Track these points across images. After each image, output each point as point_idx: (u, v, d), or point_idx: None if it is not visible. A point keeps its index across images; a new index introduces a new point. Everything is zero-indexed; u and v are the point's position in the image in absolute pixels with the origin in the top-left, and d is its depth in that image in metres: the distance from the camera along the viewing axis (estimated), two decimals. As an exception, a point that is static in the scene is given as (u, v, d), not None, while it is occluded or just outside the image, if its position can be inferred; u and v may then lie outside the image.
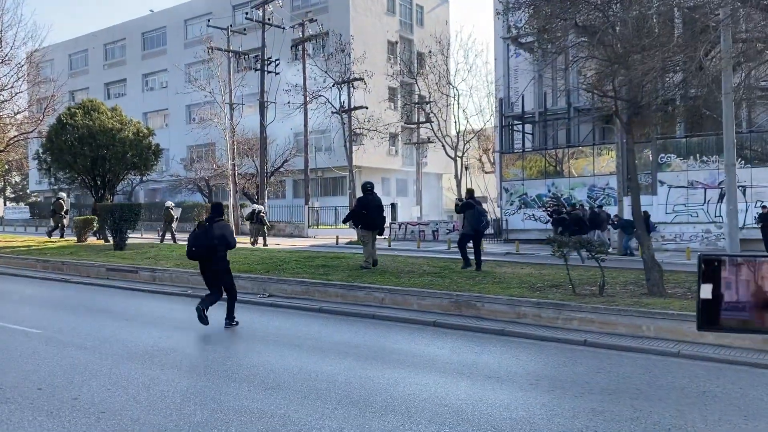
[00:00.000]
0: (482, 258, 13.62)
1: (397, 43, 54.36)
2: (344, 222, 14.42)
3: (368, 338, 8.58)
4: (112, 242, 20.47)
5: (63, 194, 25.33)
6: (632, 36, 9.60)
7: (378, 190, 31.81)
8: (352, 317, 10.08)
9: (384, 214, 13.16)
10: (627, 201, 28.28)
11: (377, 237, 13.63)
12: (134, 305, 11.84)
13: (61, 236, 24.80)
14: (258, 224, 28.05)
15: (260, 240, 27.35)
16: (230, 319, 9.40)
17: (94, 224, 23.66)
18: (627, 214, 26.51)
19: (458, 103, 27.15)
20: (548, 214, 28.62)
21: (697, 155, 26.76)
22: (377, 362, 7.24)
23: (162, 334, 9.10)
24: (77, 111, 22.29)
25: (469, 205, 13.04)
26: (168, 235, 23.08)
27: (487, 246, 26.39)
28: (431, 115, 27.68)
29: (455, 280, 11.71)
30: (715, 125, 25.19)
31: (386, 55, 50.27)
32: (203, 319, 8.91)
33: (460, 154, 27.68)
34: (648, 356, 7.47)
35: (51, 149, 22.24)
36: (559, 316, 8.78)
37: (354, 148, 37.70)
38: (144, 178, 28.12)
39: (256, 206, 30.17)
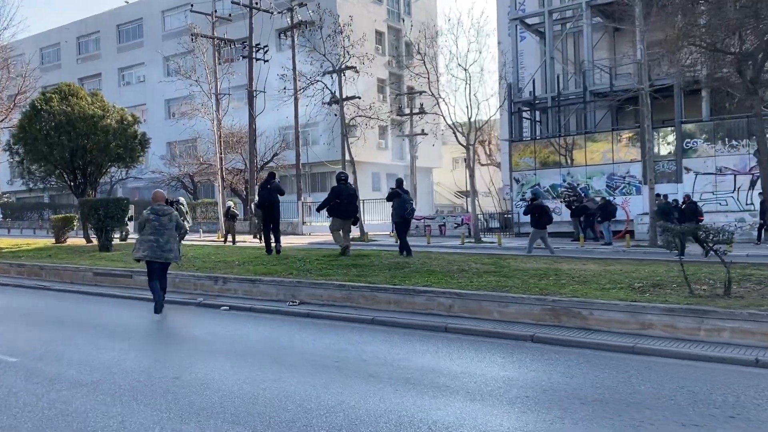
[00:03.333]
0: (532, 253, 14.07)
1: (384, 33, 52.44)
2: (318, 211, 14.57)
3: (463, 363, 6.47)
4: (96, 243, 18.12)
5: None
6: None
7: (368, 185, 30.05)
8: (419, 331, 7.96)
9: (357, 204, 13.73)
10: (648, 189, 26.53)
11: (351, 227, 14.08)
12: (134, 318, 9.59)
13: None
14: (231, 221, 26.29)
15: (230, 238, 25.55)
16: None
17: (75, 223, 21.24)
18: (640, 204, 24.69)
19: (469, 87, 24.99)
20: (566, 205, 26.71)
21: (726, 139, 25.03)
22: (499, 402, 5.13)
23: (187, 358, 6.91)
24: (53, 96, 19.81)
25: (396, 194, 13.79)
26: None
27: (503, 240, 24.42)
28: (438, 99, 25.50)
29: (527, 280, 9.64)
30: (740, 107, 23.55)
31: (374, 45, 48.35)
32: None
33: (472, 141, 25.56)
34: None
35: (24, 139, 19.74)
36: (701, 326, 6.77)
37: (349, 140, 35.54)
38: (126, 174, 25.61)
39: (229, 202, 28.58)
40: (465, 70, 25.05)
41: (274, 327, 8.54)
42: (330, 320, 8.85)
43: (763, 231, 21.53)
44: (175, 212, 9.97)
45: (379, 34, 51.56)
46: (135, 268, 13.21)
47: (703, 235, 8.16)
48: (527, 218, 28.98)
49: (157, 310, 9.49)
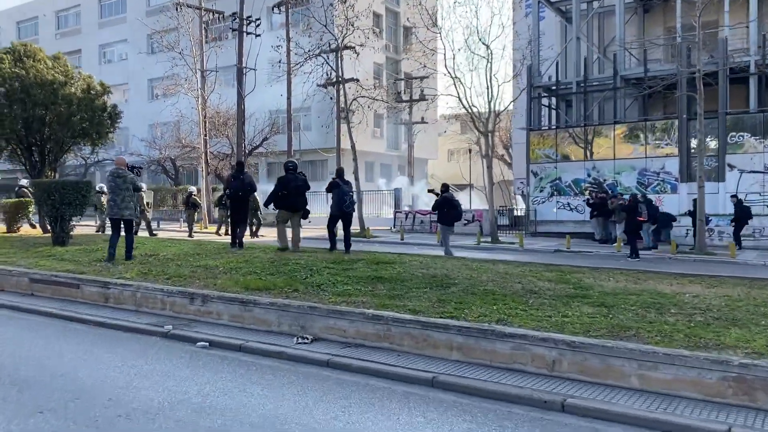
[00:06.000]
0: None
1: (382, 16, 49.27)
2: (265, 205, 13.59)
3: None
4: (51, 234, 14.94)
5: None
6: None
7: (361, 175, 27.03)
8: (518, 408, 4.94)
9: (305, 196, 12.70)
10: (686, 188, 23.74)
11: (301, 220, 13.10)
12: (65, 362, 6.46)
13: None
14: (191, 209, 23.13)
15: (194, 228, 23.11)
16: None
17: (30, 209, 17.98)
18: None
19: (491, 65, 21.94)
20: (589, 202, 23.78)
21: (776, 134, 22.23)
22: None
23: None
24: (4, 57, 16.46)
25: (335, 185, 12.91)
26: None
27: (514, 240, 21.34)
28: (454, 79, 22.42)
29: (636, 311, 6.68)
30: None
31: (371, 28, 45.29)
32: None
33: (490, 128, 22.57)
34: None
35: (-33, 107, 16.39)
36: None
37: (344, 127, 32.50)
38: (97, 153, 22.31)
39: (192, 188, 25.80)
40: (486, 46, 22.03)
41: (278, 391, 5.48)
42: (363, 376, 5.80)
43: None
44: (132, 175, 11.39)
45: (376, 16, 48.34)
46: (86, 273, 10.06)
47: None
48: (547, 216, 26.43)
49: (109, 260, 11.00)
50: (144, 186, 20.15)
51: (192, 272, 9.96)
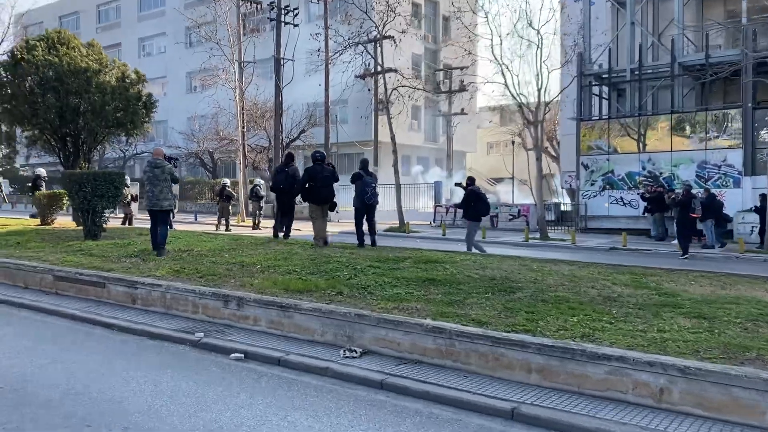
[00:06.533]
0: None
1: (421, 5, 48.07)
2: (293, 198, 13.46)
3: None
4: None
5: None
6: None
7: (398, 168, 26.11)
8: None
9: (333, 187, 12.10)
10: (750, 182, 22.18)
11: (329, 213, 12.52)
12: (81, 377, 5.66)
13: None
14: (224, 202, 22.50)
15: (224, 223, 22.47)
16: None
17: (65, 201, 17.49)
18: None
19: (541, 52, 20.71)
20: (644, 197, 22.35)
21: None
22: None
23: None
24: (38, 44, 15.92)
25: (357, 176, 12.46)
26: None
27: (565, 237, 19.93)
28: (501, 66, 21.25)
29: (744, 325, 5.62)
30: None
31: (405, 24, 44.26)
32: None
33: (540, 118, 21.34)
34: None
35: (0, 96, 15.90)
36: None
37: (381, 119, 31.56)
38: (135, 146, 21.81)
39: (224, 179, 25.49)
40: (537, 31, 20.80)
41: (325, 420, 4.57)
42: (425, 402, 4.85)
43: None
44: (169, 165, 11.00)
45: (415, 6, 47.15)
46: (113, 270, 9.34)
47: None
48: (598, 211, 25.04)
49: (155, 248, 10.64)
50: (128, 179, 19.80)
51: (227, 270, 9.16)
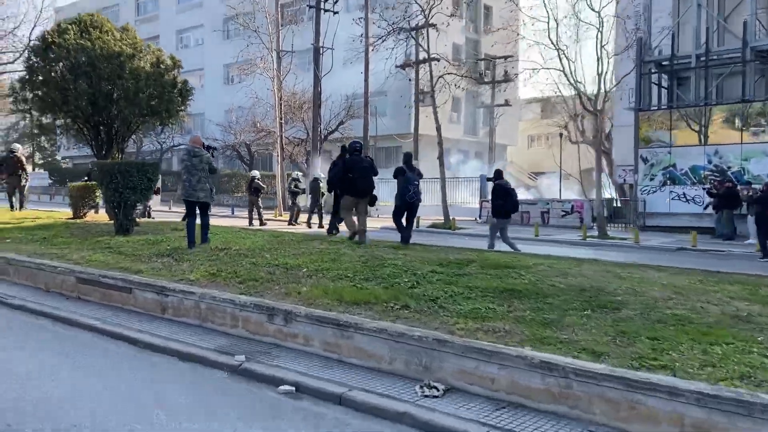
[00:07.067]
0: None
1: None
2: (329, 191, 12.86)
3: None
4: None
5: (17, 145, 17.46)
6: None
7: (434, 161, 24.83)
8: None
9: (372, 179, 11.40)
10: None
11: (369, 207, 11.95)
12: (87, 414, 4.55)
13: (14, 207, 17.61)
14: (254, 195, 21.68)
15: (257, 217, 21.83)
16: None
17: (98, 193, 16.65)
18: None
19: (601, 35, 19.16)
20: (711, 192, 20.60)
21: None
22: None
23: None
24: (70, 27, 15.03)
25: (400, 171, 11.63)
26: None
27: (624, 236, 18.18)
28: (558, 51, 19.75)
29: None
30: None
31: (450, 8, 42.76)
32: None
33: (599, 106, 19.82)
34: None
35: (30, 82, 15.05)
36: None
37: (423, 110, 30.23)
38: (172, 137, 20.93)
39: (254, 172, 24.65)
40: (597, 13, 19.26)
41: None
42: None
43: None
44: (207, 155, 10.37)
45: (455, -6, 45.50)
46: (144, 270, 8.27)
47: None
48: (658, 207, 23.31)
49: (190, 246, 9.84)
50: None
51: (269, 274, 8.01)
